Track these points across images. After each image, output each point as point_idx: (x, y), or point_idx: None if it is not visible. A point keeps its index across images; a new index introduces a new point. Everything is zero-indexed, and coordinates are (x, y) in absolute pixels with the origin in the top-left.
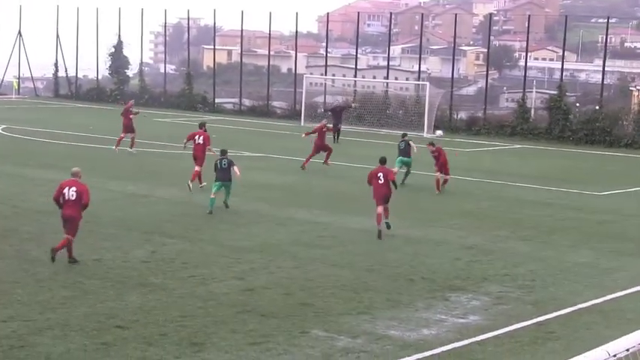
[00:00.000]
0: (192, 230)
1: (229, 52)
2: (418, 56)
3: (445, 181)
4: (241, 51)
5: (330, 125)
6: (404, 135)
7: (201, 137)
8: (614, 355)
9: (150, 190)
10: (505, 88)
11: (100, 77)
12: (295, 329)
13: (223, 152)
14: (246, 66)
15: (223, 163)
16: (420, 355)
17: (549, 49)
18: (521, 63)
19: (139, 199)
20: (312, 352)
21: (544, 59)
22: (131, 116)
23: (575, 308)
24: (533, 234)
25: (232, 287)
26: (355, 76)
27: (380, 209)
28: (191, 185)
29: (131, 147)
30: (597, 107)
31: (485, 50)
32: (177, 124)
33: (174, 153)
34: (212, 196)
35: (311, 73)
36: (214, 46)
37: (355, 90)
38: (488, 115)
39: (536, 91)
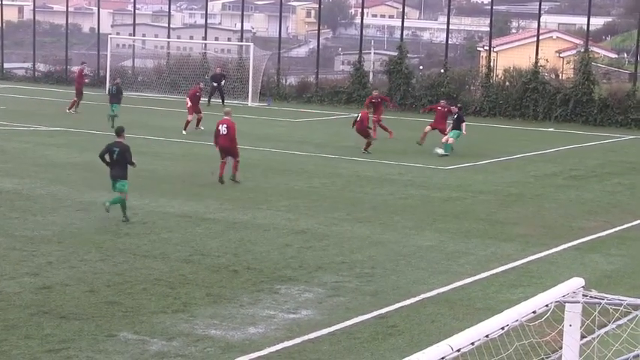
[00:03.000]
0: None
1: (20, 9)
2: (241, 13)
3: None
4: (34, 7)
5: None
6: None
7: None
8: (459, 350)
9: None
10: (340, 49)
11: None
12: (100, 332)
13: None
14: (40, 25)
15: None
16: (246, 357)
17: (389, 5)
18: (358, 20)
19: None
20: (121, 358)
21: (383, 16)
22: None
23: (419, 298)
24: (373, 215)
25: (25, 285)
26: (169, 37)
27: None
28: None
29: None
30: (442, 70)
31: (317, 6)
32: None
33: None
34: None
35: (117, 33)
36: (1, 1)
37: (169, 53)
38: (321, 80)
39: (375, 53)
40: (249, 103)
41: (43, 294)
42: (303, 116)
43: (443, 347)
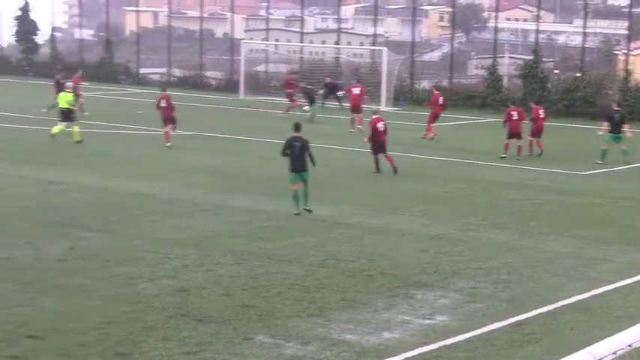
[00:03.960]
0: (114, 222)
1: (155, 15)
2: (373, 17)
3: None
4: (169, 13)
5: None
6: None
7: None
8: (600, 359)
9: (65, 176)
10: (473, 53)
11: (4, 45)
12: (237, 335)
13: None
14: (175, 30)
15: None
16: None
17: (523, 8)
18: (492, 24)
19: (53, 187)
20: None
21: (517, 20)
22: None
23: (556, 305)
24: (509, 221)
25: (163, 287)
26: (301, 42)
27: None
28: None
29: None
30: (578, 74)
31: (450, 10)
32: (96, 99)
33: (93, 133)
34: (293, 187)
35: (250, 38)
36: (137, 7)
37: (301, 57)
38: (454, 84)
39: (509, 57)
40: (383, 107)
41: (181, 296)
42: (437, 120)
43: (584, 355)
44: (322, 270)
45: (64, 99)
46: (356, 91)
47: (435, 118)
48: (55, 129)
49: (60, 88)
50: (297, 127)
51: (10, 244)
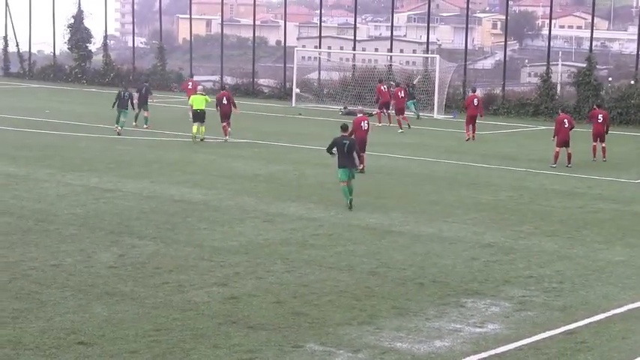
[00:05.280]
0: (165, 229)
1: (208, 22)
2: (426, 25)
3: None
4: (222, 20)
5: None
6: None
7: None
8: None
9: (115, 183)
10: (526, 60)
11: (57, 53)
12: (287, 343)
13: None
14: (227, 38)
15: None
16: None
17: (577, 16)
18: (545, 32)
19: (104, 194)
20: None
21: (571, 27)
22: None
23: (609, 314)
24: (561, 229)
25: (214, 295)
26: (354, 49)
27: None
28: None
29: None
30: (632, 82)
31: (504, 17)
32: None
33: (144, 140)
34: (343, 184)
35: (303, 46)
36: (190, 15)
37: (354, 65)
38: (507, 92)
39: (563, 64)
40: (435, 115)
41: (231, 304)
42: (489, 128)
43: None
44: (373, 278)
45: (199, 101)
46: (401, 93)
47: (470, 120)
48: (194, 129)
49: (143, 99)
50: (344, 128)
51: (61, 251)
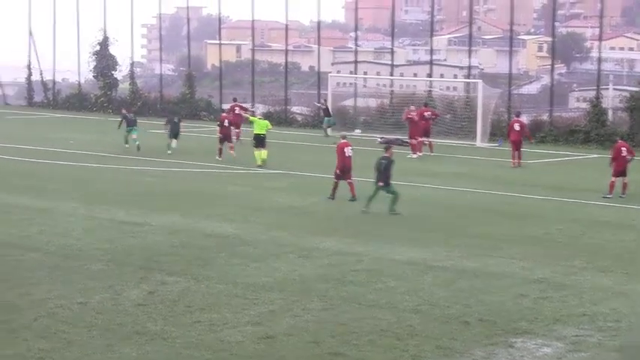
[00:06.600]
0: (197, 265)
1: (238, 48)
2: (468, 48)
3: None
4: (253, 46)
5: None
6: None
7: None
8: None
9: (144, 216)
10: (575, 85)
11: (82, 81)
12: None
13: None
14: (258, 64)
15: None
16: None
17: (628, 37)
18: (594, 54)
19: (132, 228)
20: None
21: (622, 49)
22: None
23: None
24: (615, 264)
25: (247, 334)
26: (391, 74)
27: None
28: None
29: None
30: None
31: (550, 39)
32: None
33: (172, 172)
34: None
35: (338, 72)
36: (220, 40)
37: (392, 91)
38: (555, 118)
39: (614, 88)
40: (478, 143)
41: (266, 344)
42: (537, 157)
43: None
44: (415, 316)
45: (261, 125)
46: (428, 114)
47: (513, 145)
48: (257, 155)
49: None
50: (386, 148)
51: (87, 288)
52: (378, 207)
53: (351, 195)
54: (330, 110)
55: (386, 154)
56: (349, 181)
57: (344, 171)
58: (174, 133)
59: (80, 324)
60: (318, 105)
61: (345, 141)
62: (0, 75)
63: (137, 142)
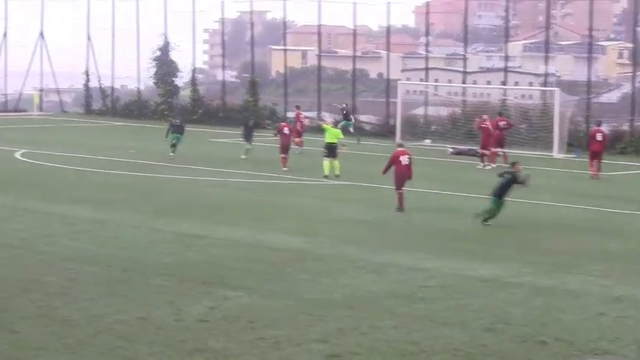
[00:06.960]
0: (261, 280)
1: (304, 54)
2: (544, 55)
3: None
4: (319, 52)
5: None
6: None
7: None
8: None
9: (207, 229)
10: None
11: (142, 88)
12: None
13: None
14: (325, 70)
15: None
16: None
17: None
18: None
19: (195, 241)
20: None
21: None
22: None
23: None
24: None
25: (314, 352)
26: (464, 82)
27: None
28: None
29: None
30: None
31: (631, 45)
32: (240, 146)
33: (238, 182)
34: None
35: (407, 79)
36: (285, 46)
37: (464, 99)
38: (636, 128)
39: None
40: (555, 154)
41: None
42: (617, 169)
43: None
44: (489, 335)
45: (332, 134)
46: (502, 123)
47: (593, 156)
48: (326, 165)
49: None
50: (513, 163)
51: (148, 303)
52: (443, 221)
53: (398, 204)
54: (351, 116)
55: (512, 169)
56: (399, 190)
57: (401, 180)
58: (247, 136)
59: (140, 340)
60: (339, 107)
61: (402, 149)
62: (57, 81)
63: (173, 142)
